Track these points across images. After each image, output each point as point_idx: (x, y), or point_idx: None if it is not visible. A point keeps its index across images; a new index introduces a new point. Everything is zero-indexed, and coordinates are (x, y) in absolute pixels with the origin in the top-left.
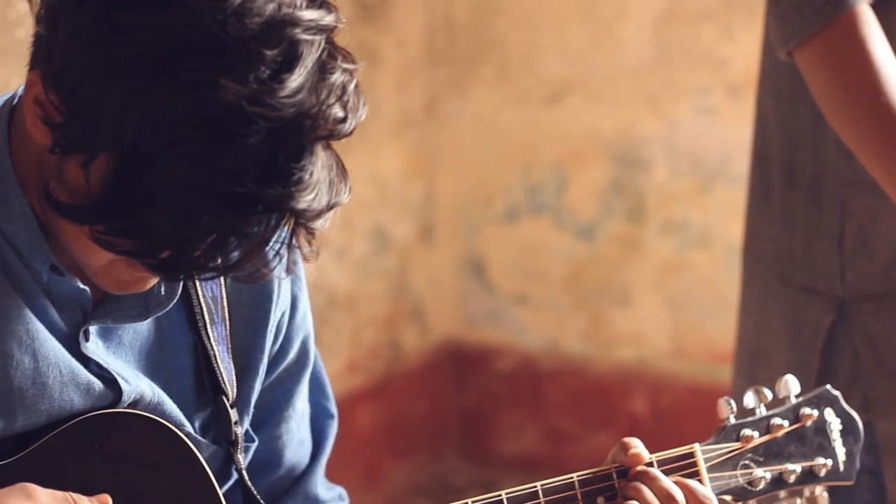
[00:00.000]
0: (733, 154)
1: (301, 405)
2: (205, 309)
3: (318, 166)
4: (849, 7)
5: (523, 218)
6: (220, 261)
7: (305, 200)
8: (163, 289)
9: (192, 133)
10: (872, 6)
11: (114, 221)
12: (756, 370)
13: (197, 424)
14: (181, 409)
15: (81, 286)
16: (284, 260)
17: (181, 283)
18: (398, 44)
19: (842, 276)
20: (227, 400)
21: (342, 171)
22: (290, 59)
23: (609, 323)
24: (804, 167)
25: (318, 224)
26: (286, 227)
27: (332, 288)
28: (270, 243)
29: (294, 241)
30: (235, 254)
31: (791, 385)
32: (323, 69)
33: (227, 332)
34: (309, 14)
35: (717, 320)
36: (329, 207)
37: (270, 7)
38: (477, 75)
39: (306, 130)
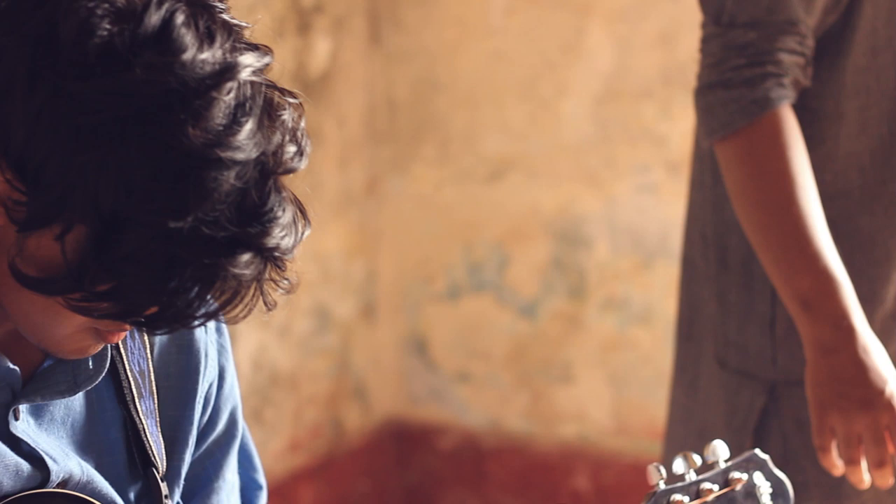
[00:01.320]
0: (674, 231)
1: (231, 476)
2: (132, 383)
3: (286, 201)
4: (773, 108)
5: (465, 296)
6: (206, 307)
7: (280, 235)
8: (90, 363)
9: (167, 187)
10: (821, 51)
11: (94, 287)
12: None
13: (130, 498)
14: (113, 484)
15: (11, 366)
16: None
17: (108, 358)
18: (339, 122)
19: (773, 359)
20: (158, 473)
21: (300, 203)
22: (244, 102)
23: (551, 400)
24: (736, 251)
25: (289, 256)
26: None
27: (275, 366)
28: (251, 282)
29: (270, 276)
30: (222, 298)
31: (719, 450)
32: (271, 107)
33: (156, 405)
34: (249, 58)
35: (659, 397)
36: (300, 238)
37: (218, 55)
38: (418, 153)
39: (270, 168)
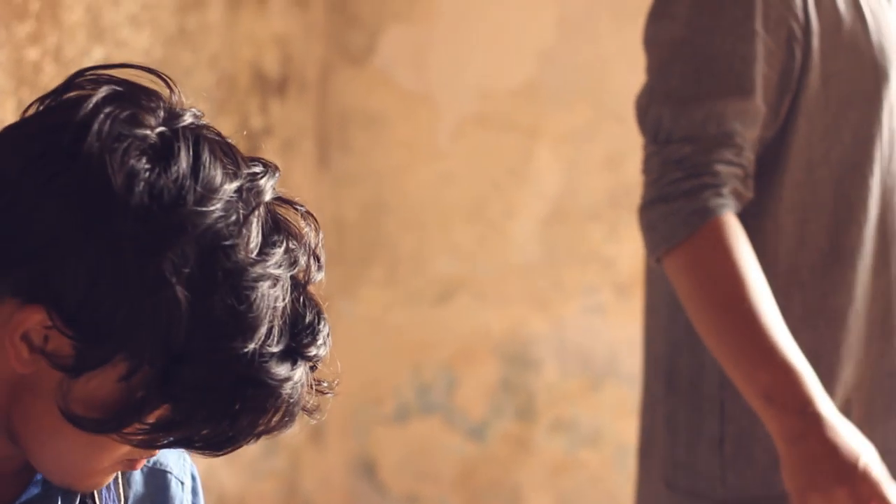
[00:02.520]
0: (622, 352)
1: None
2: None
3: (321, 309)
4: (714, 216)
5: (413, 418)
6: (265, 424)
7: (321, 343)
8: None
9: (231, 312)
10: (759, 167)
11: (154, 418)
12: None
13: None
14: None
15: None
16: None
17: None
18: None
19: (723, 479)
20: None
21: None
22: (273, 222)
23: None
24: (684, 372)
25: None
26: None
27: (222, 489)
28: (302, 392)
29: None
30: (279, 412)
31: None
32: (291, 223)
33: None
34: (267, 179)
35: None
36: (331, 343)
37: (245, 179)
38: (366, 275)
39: (302, 281)
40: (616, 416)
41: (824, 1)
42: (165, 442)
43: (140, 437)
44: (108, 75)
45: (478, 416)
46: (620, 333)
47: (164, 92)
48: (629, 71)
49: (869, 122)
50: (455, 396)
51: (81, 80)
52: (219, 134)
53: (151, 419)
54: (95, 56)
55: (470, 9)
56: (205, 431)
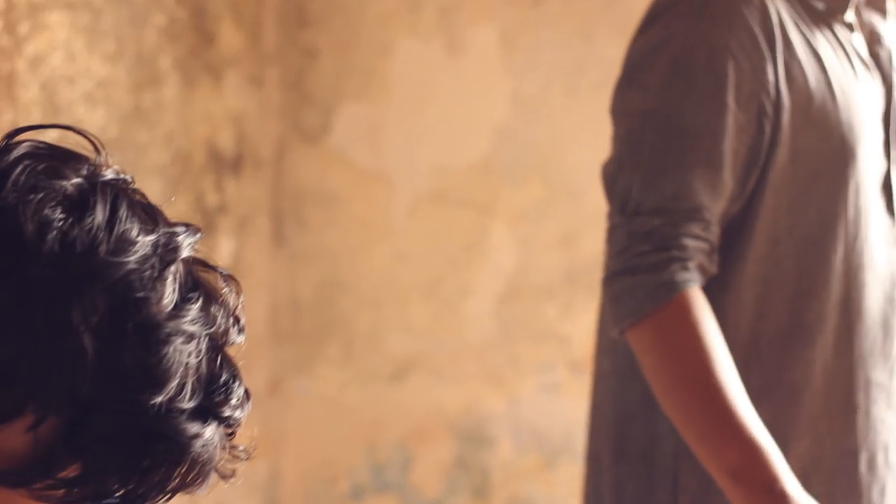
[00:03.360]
0: (577, 429)
1: None
2: None
3: (237, 371)
4: (680, 290)
5: (368, 497)
6: (176, 482)
7: (236, 404)
8: None
9: (140, 365)
10: (724, 240)
11: (63, 473)
12: None
13: None
14: None
15: None
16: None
17: None
18: None
19: None
20: None
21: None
22: (189, 278)
23: None
24: (635, 440)
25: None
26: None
27: None
28: (216, 452)
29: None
30: (190, 470)
31: None
32: (210, 283)
33: None
34: (186, 236)
35: None
36: (248, 408)
37: (161, 235)
38: (322, 354)
39: (219, 340)
40: (572, 494)
41: (796, 76)
42: (76, 499)
43: (50, 493)
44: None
45: (433, 494)
46: (576, 411)
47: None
48: (584, 148)
49: (835, 200)
50: (410, 475)
51: (10, 143)
52: (142, 194)
53: (61, 474)
54: (51, 134)
55: (424, 87)
56: (115, 487)
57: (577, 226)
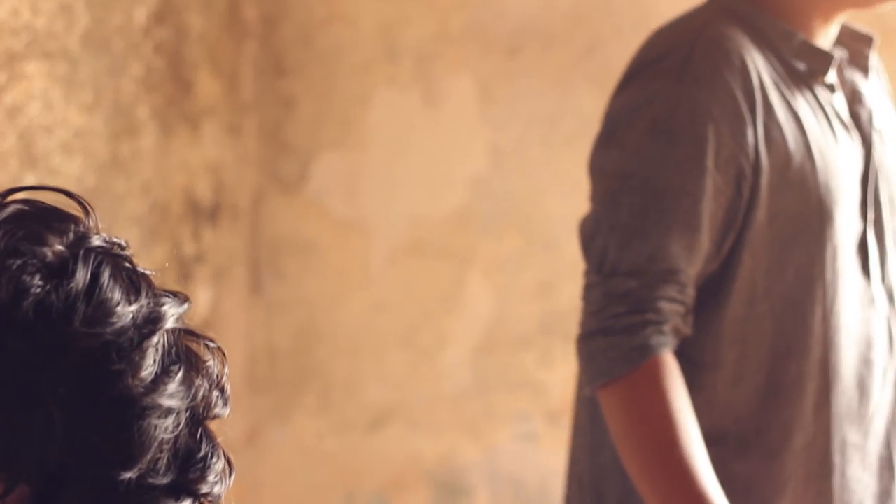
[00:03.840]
0: (554, 480)
1: None
2: None
3: (218, 446)
4: (653, 355)
5: None
6: None
7: (214, 480)
8: None
9: (112, 438)
10: (700, 300)
11: None
12: None
13: None
14: None
15: None
16: None
17: None
18: None
19: None
20: None
21: (226, 451)
22: (172, 351)
23: None
24: (611, 495)
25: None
26: None
27: None
28: None
29: None
30: None
31: None
32: (195, 354)
33: None
34: (171, 307)
35: None
36: (229, 484)
37: (145, 305)
38: (299, 403)
39: (200, 415)
40: None
41: (775, 139)
42: None
43: None
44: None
45: None
46: (552, 461)
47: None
48: (561, 199)
49: (812, 261)
50: None
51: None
52: (130, 261)
53: None
54: (28, 183)
55: (402, 137)
56: None
57: (554, 276)
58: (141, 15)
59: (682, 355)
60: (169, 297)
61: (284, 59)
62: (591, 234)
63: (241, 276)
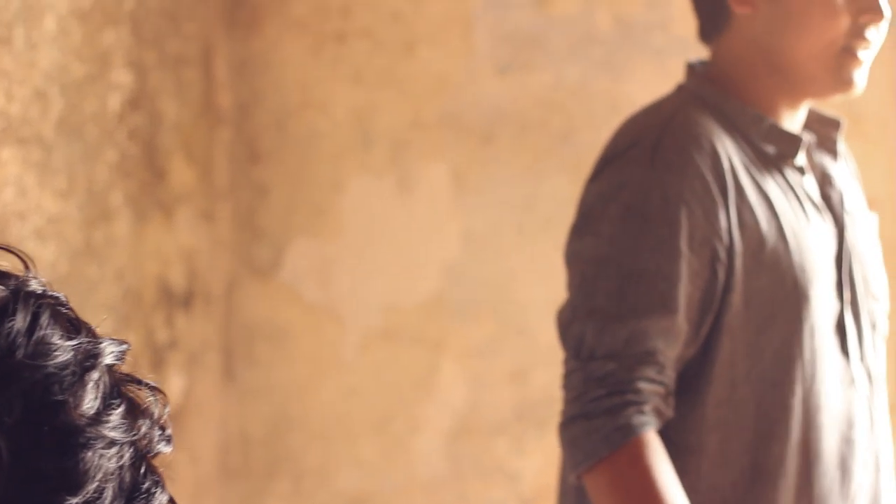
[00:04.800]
0: None
1: None
2: None
3: (161, 481)
4: (635, 435)
5: None
6: None
7: None
8: None
9: (57, 468)
10: (682, 384)
11: None
12: None
13: None
14: None
15: None
16: None
17: None
18: (192, 459)
19: None
20: None
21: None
22: (113, 386)
23: None
24: None
25: None
26: None
27: None
28: None
29: None
30: None
31: None
32: (136, 393)
33: None
34: (111, 345)
35: None
36: None
37: (84, 342)
38: (272, 489)
39: (142, 449)
40: None
41: (748, 221)
42: None
43: None
44: None
45: None
46: None
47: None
48: (534, 285)
49: (790, 342)
50: None
51: None
52: (69, 308)
53: None
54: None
55: (375, 223)
56: None
57: (527, 362)
58: (115, 102)
59: (666, 440)
60: (107, 338)
61: (258, 146)
62: (569, 321)
63: (215, 363)
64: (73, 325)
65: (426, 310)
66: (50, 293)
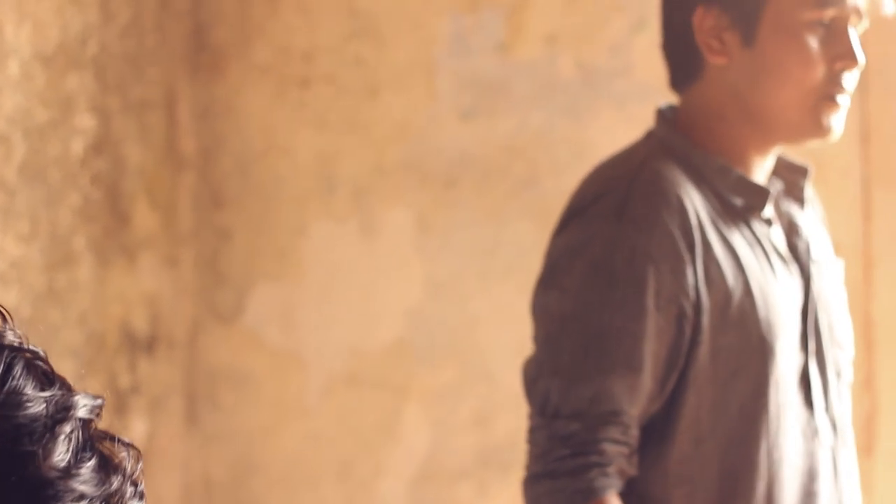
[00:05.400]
0: None
1: None
2: None
3: None
4: (598, 497)
5: None
6: None
7: None
8: None
9: None
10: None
11: None
12: None
13: None
14: None
15: None
16: None
17: None
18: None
19: None
20: None
21: None
22: (85, 440)
23: None
24: None
25: None
26: None
27: None
28: None
29: None
30: None
31: None
32: (109, 448)
33: None
34: (84, 399)
35: None
36: None
37: (57, 395)
38: None
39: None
40: None
41: (714, 278)
42: None
43: None
44: None
45: None
46: None
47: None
48: (497, 331)
49: (756, 396)
50: None
51: None
52: (45, 360)
53: None
54: None
55: (338, 268)
56: None
57: (490, 407)
58: (78, 146)
59: (631, 493)
60: (81, 392)
61: (222, 191)
62: (534, 377)
63: (178, 407)
64: (48, 378)
65: (389, 354)
66: (26, 347)
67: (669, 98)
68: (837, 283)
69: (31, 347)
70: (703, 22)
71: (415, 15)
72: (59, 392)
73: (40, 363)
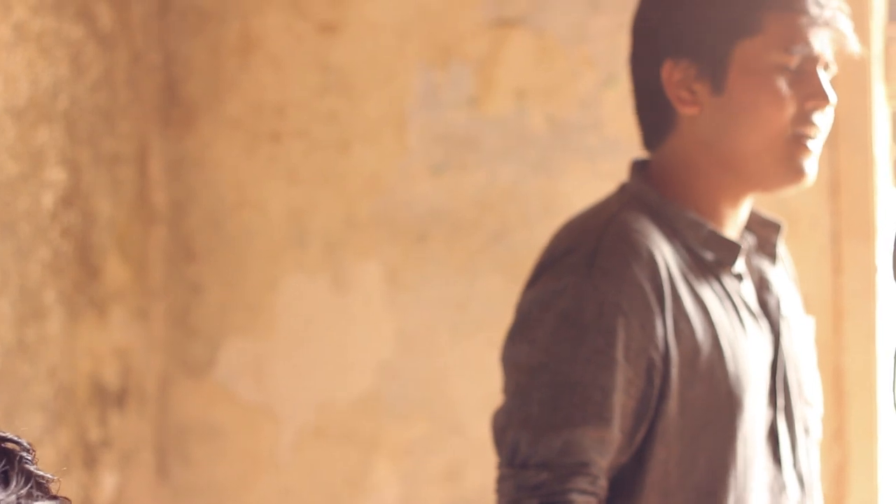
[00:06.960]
0: None
1: None
2: None
3: None
4: None
5: None
6: None
7: None
8: None
9: None
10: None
11: None
12: None
13: None
14: None
15: None
16: None
17: None
18: None
19: None
20: None
21: None
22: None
23: None
24: None
25: None
26: None
27: None
28: None
29: None
30: None
31: None
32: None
33: None
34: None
35: None
36: None
37: (11, 500)
38: None
39: None
40: None
41: (683, 331)
42: None
43: None
44: None
45: None
46: None
47: None
48: (467, 384)
49: (724, 450)
50: None
51: None
52: (27, 461)
53: None
54: None
55: (309, 322)
56: None
57: (461, 460)
58: (48, 199)
59: None
60: (46, 498)
61: (193, 245)
62: (503, 427)
63: (148, 461)
64: (6, 478)
65: (360, 408)
66: (19, 445)
67: (639, 153)
68: (807, 340)
69: (23, 443)
70: (672, 75)
71: (386, 69)
72: (14, 496)
73: (5, 457)
